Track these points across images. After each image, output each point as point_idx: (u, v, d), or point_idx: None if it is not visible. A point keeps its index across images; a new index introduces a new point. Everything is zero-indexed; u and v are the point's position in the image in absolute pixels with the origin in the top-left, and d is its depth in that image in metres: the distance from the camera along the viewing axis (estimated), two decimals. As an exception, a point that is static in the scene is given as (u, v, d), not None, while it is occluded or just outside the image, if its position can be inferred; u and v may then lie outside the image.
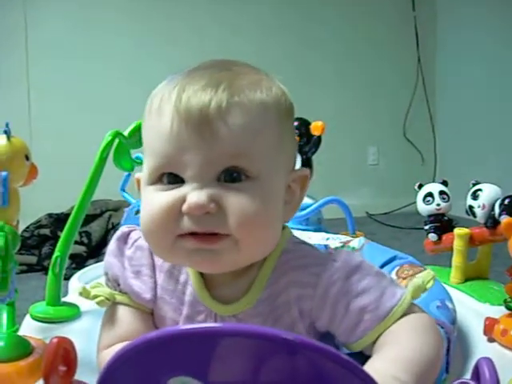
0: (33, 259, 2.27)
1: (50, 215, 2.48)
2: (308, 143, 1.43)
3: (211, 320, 0.62)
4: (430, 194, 1.15)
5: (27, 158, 0.80)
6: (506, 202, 0.95)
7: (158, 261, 0.65)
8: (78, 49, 3.10)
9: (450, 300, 0.82)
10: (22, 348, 0.70)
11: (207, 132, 0.53)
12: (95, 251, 2.30)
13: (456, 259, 1.06)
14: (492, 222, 0.99)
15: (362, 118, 3.71)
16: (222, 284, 0.62)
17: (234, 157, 0.54)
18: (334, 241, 1.10)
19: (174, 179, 0.56)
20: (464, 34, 3.55)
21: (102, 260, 1.73)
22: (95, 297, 0.64)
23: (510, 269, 0.81)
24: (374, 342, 0.58)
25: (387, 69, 3.74)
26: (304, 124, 1.43)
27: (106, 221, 2.42)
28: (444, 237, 1.14)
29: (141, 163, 1.05)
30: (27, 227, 2.40)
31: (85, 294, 0.64)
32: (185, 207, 0.54)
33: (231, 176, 0.55)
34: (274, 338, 0.33)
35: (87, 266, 1.68)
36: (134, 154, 0.97)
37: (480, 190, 1.02)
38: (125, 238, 0.67)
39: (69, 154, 2.95)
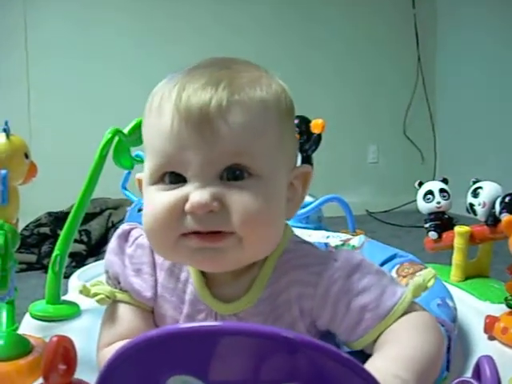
0: (32, 258, 2.27)
1: (49, 214, 2.48)
2: (308, 141, 1.43)
3: (211, 319, 0.62)
4: (430, 192, 1.15)
5: (26, 156, 0.80)
6: (507, 199, 0.95)
7: (159, 259, 0.65)
8: (78, 48, 3.10)
9: (451, 298, 0.82)
10: (22, 346, 0.70)
11: (208, 131, 0.53)
12: (95, 250, 2.30)
13: (456, 257, 1.06)
14: (492, 220, 0.99)
15: (362, 117, 3.71)
16: (223, 283, 0.62)
17: (236, 155, 0.54)
18: (334, 239, 1.10)
19: (175, 179, 0.56)
20: (464, 33, 3.55)
21: (101, 258, 1.73)
22: (95, 295, 0.64)
23: (511, 267, 0.81)
24: (375, 341, 0.58)
25: (387, 67, 3.74)
26: (304, 122, 1.42)
27: (106, 219, 2.42)
28: (444, 235, 1.14)
29: (141, 161, 1.05)
30: (27, 226, 2.40)
31: (85, 291, 0.64)
32: (188, 206, 0.54)
33: (233, 174, 0.55)
34: (275, 336, 0.33)
35: (87, 264, 1.67)
36: (134, 151, 0.97)
37: (480, 187, 1.02)
38: (125, 236, 0.67)
39: (68, 152, 2.95)
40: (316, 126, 1.41)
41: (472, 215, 1.04)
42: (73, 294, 1.00)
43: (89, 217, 2.36)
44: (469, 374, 0.46)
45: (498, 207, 0.97)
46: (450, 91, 3.72)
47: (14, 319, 0.77)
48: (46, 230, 2.38)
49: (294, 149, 0.64)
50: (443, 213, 1.15)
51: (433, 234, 1.15)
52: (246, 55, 0.64)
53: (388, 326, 0.58)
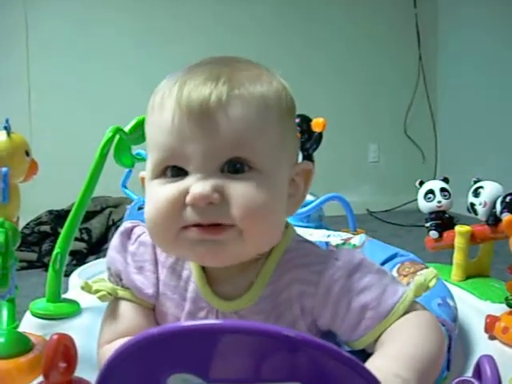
0: (33, 256, 2.27)
1: (50, 212, 2.48)
2: (309, 140, 1.43)
3: (213, 316, 0.62)
4: (431, 191, 1.15)
5: (27, 153, 0.79)
6: (508, 199, 0.95)
7: (161, 257, 0.65)
8: (79, 48, 3.10)
9: (451, 298, 0.82)
10: (22, 344, 0.70)
11: (208, 124, 0.54)
12: (95, 248, 2.30)
13: (457, 257, 1.06)
14: (493, 220, 0.99)
15: (363, 116, 3.71)
16: (225, 280, 0.62)
17: (237, 147, 0.55)
18: (335, 238, 1.10)
19: (177, 172, 0.56)
20: (465, 32, 3.54)
21: (102, 257, 1.74)
22: (97, 291, 0.64)
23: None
24: (376, 340, 0.58)
25: (388, 66, 3.74)
26: (305, 120, 1.42)
27: (107, 217, 2.42)
28: (445, 234, 1.14)
29: (141, 159, 1.05)
30: (27, 224, 2.40)
31: (87, 288, 0.65)
32: (189, 198, 0.54)
33: (234, 167, 0.55)
34: (276, 334, 0.33)
35: (87, 262, 1.68)
36: (135, 150, 0.97)
37: (481, 187, 1.02)
38: (128, 234, 0.67)
39: (69, 150, 2.95)
40: (317, 124, 1.40)
41: (473, 215, 1.04)
42: (73, 292, 1.00)
43: (89, 215, 2.36)
44: (469, 373, 0.46)
45: (498, 207, 0.97)
46: (451, 90, 3.72)
47: (15, 317, 0.77)
48: (46, 228, 2.38)
49: (295, 145, 0.64)
50: (444, 212, 1.15)
51: (433, 234, 1.15)
52: (246, 55, 0.64)
53: (389, 325, 0.58)
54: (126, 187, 1.59)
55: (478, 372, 0.45)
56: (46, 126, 3.01)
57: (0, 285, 0.70)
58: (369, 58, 3.69)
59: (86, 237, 2.30)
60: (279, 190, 0.58)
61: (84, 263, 1.67)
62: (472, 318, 0.87)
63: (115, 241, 0.67)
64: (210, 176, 0.54)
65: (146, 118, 0.61)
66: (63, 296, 0.93)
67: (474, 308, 0.92)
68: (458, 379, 0.48)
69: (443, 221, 1.14)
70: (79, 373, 0.48)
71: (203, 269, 0.63)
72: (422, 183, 1.18)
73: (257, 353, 0.34)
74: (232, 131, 0.54)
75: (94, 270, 1.22)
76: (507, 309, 0.82)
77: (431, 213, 1.15)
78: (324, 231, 1.16)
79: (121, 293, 0.65)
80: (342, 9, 3.62)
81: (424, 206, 1.16)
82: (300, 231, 0.68)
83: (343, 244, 1.07)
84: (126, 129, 0.91)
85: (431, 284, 0.61)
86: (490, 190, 1.01)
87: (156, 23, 3.22)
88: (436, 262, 1.14)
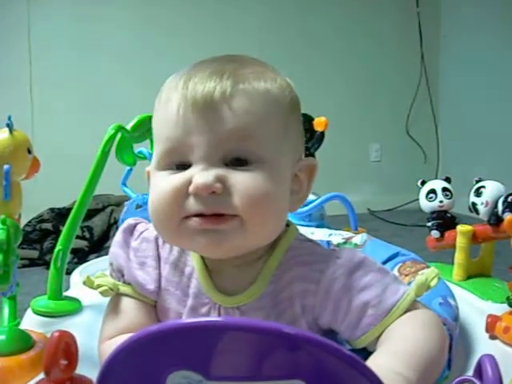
0: (34, 253, 2.27)
1: (51, 210, 2.48)
2: (311, 139, 1.43)
3: (215, 312, 0.62)
4: (432, 191, 1.15)
5: (29, 151, 0.80)
6: (510, 199, 0.95)
7: (164, 253, 0.66)
8: (81, 44, 3.10)
9: (453, 297, 0.82)
10: (24, 342, 0.70)
11: (212, 116, 0.55)
12: (97, 246, 2.30)
13: (458, 256, 1.06)
14: (495, 219, 0.99)
15: (365, 115, 3.70)
16: (227, 276, 0.62)
17: (240, 139, 0.55)
18: (336, 237, 1.10)
19: (182, 164, 0.57)
20: (468, 32, 3.54)
21: (103, 255, 1.74)
22: (99, 286, 0.64)
23: (513, 266, 0.81)
24: (377, 339, 0.58)
25: (390, 65, 3.73)
26: (307, 120, 1.42)
27: (108, 215, 2.42)
28: (447, 234, 1.13)
29: (143, 158, 1.05)
30: (29, 221, 2.40)
31: (88, 283, 0.65)
32: (191, 188, 0.55)
33: (237, 158, 0.56)
34: (277, 332, 0.33)
35: (89, 260, 1.68)
36: (137, 148, 0.97)
37: (483, 187, 1.02)
38: (131, 230, 0.68)
39: (71, 148, 2.95)
40: (319, 123, 1.40)
41: (474, 214, 1.04)
42: (75, 290, 1.00)
43: (91, 213, 2.36)
44: (470, 372, 0.46)
45: (500, 206, 0.97)
46: (454, 90, 3.71)
47: (16, 314, 0.77)
48: (48, 225, 2.38)
49: (299, 141, 0.64)
50: (446, 212, 1.15)
51: (435, 233, 1.15)
52: (246, 53, 0.65)
53: (390, 324, 0.58)
54: (125, 185, 1.59)
55: (479, 371, 0.45)
56: (48, 124, 3.01)
57: (1, 282, 0.70)
58: (371, 57, 3.69)
59: (87, 235, 2.30)
60: (282, 182, 0.59)
61: (85, 261, 1.68)
62: (473, 317, 0.87)
63: (118, 237, 0.68)
64: (213, 166, 0.55)
65: (153, 113, 0.62)
66: (64, 294, 0.93)
67: (475, 308, 0.92)
68: (458, 379, 0.48)
69: (445, 220, 1.14)
70: (80, 370, 0.48)
71: (205, 265, 0.63)
72: (423, 183, 1.18)
73: (257, 350, 0.34)
74: (235, 123, 0.55)
75: (96, 268, 1.22)
76: (508, 308, 0.82)
77: (433, 212, 1.15)
78: (325, 230, 1.16)
79: (122, 288, 0.65)
80: (343, 8, 3.62)
81: (426, 205, 1.16)
82: (301, 230, 0.68)
83: (344, 243, 1.07)
84: (128, 127, 0.91)
85: (432, 283, 0.61)
86: (492, 189, 1.00)
87: (159, 20, 3.22)
88: (437, 261, 1.14)
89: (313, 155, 1.46)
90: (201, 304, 0.63)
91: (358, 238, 1.07)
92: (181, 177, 0.56)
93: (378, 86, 3.73)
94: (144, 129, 0.92)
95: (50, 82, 3.05)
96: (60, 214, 2.42)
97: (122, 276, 0.66)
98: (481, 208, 1.01)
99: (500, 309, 0.86)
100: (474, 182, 1.05)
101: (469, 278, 1.05)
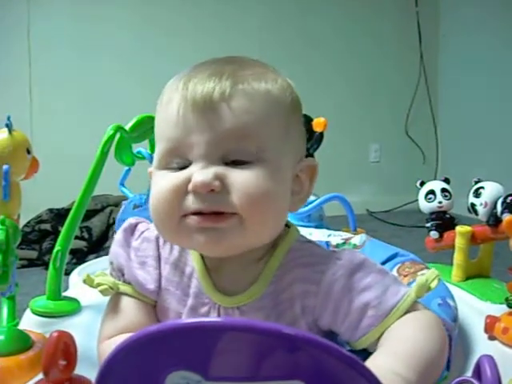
0: (33, 254, 2.27)
1: (50, 210, 2.47)
2: (310, 139, 1.43)
3: (215, 312, 0.62)
4: (431, 192, 1.15)
5: (28, 151, 0.79)
6: (509, 200, 0.95)
7: (164, 253, 0.66)
8: (81, 44, 3.10)
9: (452, 298, 0.82)
10: (22, 342, 0.70)
11: (212, 116, 0.56)
12: (96, 246, 2.29)
13: (457, 257, 1.06)
14: (494, 220, 0.99)
15: (364, 116, 3.70)
16: (227, 276, 0.62)
17: (239, 138, 0.56)
18: (335, 237, 1.10)
19: (182, 164, 0.58)
20: (467, 31, 3.54)
21: (102, 255, 1.73)
22: (98, 285, 0.64)
23: (512, 267, 0.81)
24: (377, 340, 0.58)
25: (389, 65, 3.73)
26: (306, 120, 1.42)
27: (107, 216, 2.42)
28: (445, 235, 1.13)
29: (142, 158, 1.05)
30: (28, 222, 2.40)
31: (88, 281, 0.65)
32: (190, 185, 0.55)
33: (236, 157, 0.56)
34: (276, 333, 0.33)
35: (88, 261, 1.68)
36: (136, 148, 0.97)
37: (482, 187, 1.02)
38: (132, 230, 0.68)
39: (70, 149, 2.95)
40: (318, 124, 1.40)
41: (473, 215, 1.04)
42: (73, 291, 1.00)
43: (90, 214, 2.35)
44: (469, 373, 0.46)
45: (499, 207, 0.97)
46: (453, 90, 3.71)
47: (15, 315, 0.77)
48: (47, 226, 2.38)
49: (300, 142, 0.65)
50: (445, 212, 1.15)
51: (434, 234, 1.15)
52: (246, 53, 0.65)
53: (390, 325, 0.58)
54: (123, 185, 1.59)
55: (477, 372, 0.45)
56: (47, 124, 3.00)
57: (0, 282, 0.70)
58: (370, 57, 3.69)
59: (86, 235, 2.30)
60: (282, 182, 0.59)
61: (84, 262, 1.68)
62: (472, 318, 0.87)
63: (119, 236, 0.68)
64: (212, 165, 0.56)
65: (156, 115, 0.63)
66: (63, 294, 0.93)
67: (474, 308, 0.92)
68: (457, 379, 0.48)
69: (444, 221, 1.14)
70: (79, 370, 0.48)
71: (206, 265, 0.63)
72: (422, 183, 1.18)
73: (257, 351, 0.34)
74: (235, 123, 0.56)
75: (95, 269, 1.21)
76: (507, 309, 0.82)
77: (432, 213, 1.15)
78: (324, 231, 1.16)
79: (122, 287, 0.65)
80: (343, 7, 3.62)
81: (425, 206, 1.16)
82: (300, 231, 0.68)
83: (344, 243, 1.07)
84: (127, 127, 0.91)
85: (433, 285, 0.61)
86: (491, 190, 1.00)
87: (158, 20, 3.22)
88: (436, 262, 1.14)
89: (312, 156, 1.46)
90: (201, 304, 0.63)
91: (357, 239, 1.07)
92: (180, 175, 0.57)
93: (378, 86, 3.73)
94: (143, 129, 0.93)
95: (49, 82, 3.05)
96: (59, 215, 2.41)
97: (122, 275, 0.66)
98: (480, 209, 1.01)
99: (499, 309, 0.86)
100: (473, 183, 1.05)
101: (468, 278, 1.05)
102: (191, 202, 0.56)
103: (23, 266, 2.16)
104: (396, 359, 0.52)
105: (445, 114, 3.81)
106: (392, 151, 3.82)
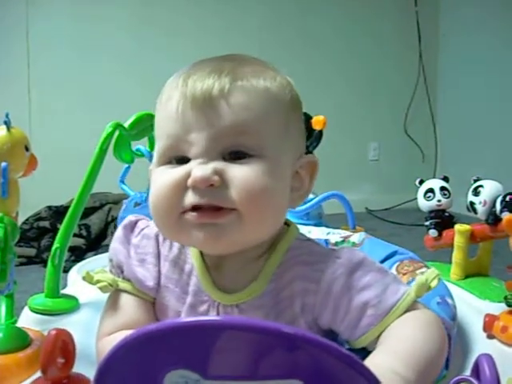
0: (32, 251, 2.27)
1: (49, 208, 2.47)
2: (309, 137, 1.43)
3: (214, 310, 0.62)
4: (430, 190, 1.15)
5: (27, 148, 0.79)
6: (508, 198, 0.95)
7: (164, 250, 0.66)
8: (80, 43, 3.09)
9: (450, 296, 0.82)
10: (21, 340, 0.70)
11: (211, 112, 0.56)
12: (94, 244, 2.29)
13: (456, 256, 1.06)
14: (493, 219, 0.99)
15: (363, 114, 3.70)
16: (227, 274, 0.62)
17: (238, 134, 0.56)
18: (334, 235, 1.10)
19: (181, 160, 0.58)
20: (466, 31, 3.54)
21: (101, 253, 1.73)
22: (98, 282, 0.64)
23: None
24: (377, 339, 0.58)
25: (389, 64, 3.73)
26: (305, 118, 1.42)
27: (106, 214, 2.42)
28: (444, 233, 1.14)
29: (141, 155, 1.05)
30: (26, 219, 2.39)
31: (88, 278, 0.65)
32: (190, 181, 0.55)
33: (236, 153, 0.56)
34: (275, 331, 0.33)
35: (86, 258, 1.68)
36: (135, 146, 0.96)
37: (481, 186, 1.02)
38: (132, 227, 0.68)
39: (68, 146, 2.95)
40: (317, 122, 1.40)
41: (472, 214, 1.04)
42: (72, 288, 1.00)
43: (89, 211, 2.35)
44: (467, 372, 0.46)
45: (498, 206, 0.97)
46: (452, 89, 3.71)
47: (13, 312, 0.77)
48: (45, 223, 2.38)
49: (300, 139, 0.65)
50: (444, 211, 1.15)
51: (433, 232, 1.15)
52: (246, 53, 0.65)
53: (390, 324, 0.58)
54: (123, 183, 1.59)
55: (476, 371, 0.45)
56: (46, 121, 3.00)
57: (-1, 279, 0.70)
58: (369, 56, 3.69)
59: (84, 233, 2.30)
60: (281, 179, 0.59)
61: (83, 259, 1.67)
62: (471, 316, 0.87)
63: (119, 233, 0.68)
64: (212, 160, 0.56)
65: (155, 113, 0.63)
66: (62, 292, 0.93)
67: (472, 307, 0.92)
68: (456, 378, 0.48)
69: (443, 220, 1.14)
70: (77, 368, 0.48)
71: (205, 263, 0.63)
72: (421, 182, 1.18)
73: (256, 350, 0.34)
74: (234, 119, 0.56)
75: (93, 266, 1.21)
76: (506, 308, 0.82)
77: (431, 211, 1.15)
78: (323, 229, 1.16)
79: (121, 284, 0.66)
80: (343, 7, 3.62)
81: (424, 204, 1.16)
82: (299, 229, 0.68)
83: (342, 242, 1.07)
84: (126, 124, 0.91)
85: (433, 284, 0.61)
86: (490, 188, 1.00)
87: (158, 20, 3.22)
88: (435, 260, 1.14)
89: (311, 154, 1.46)
90: (200, 302, 0.63)
91: (355, 237, 1.07)
92: (180, 171, 0.57)
93: (377, 85, 3.73)
94: (142, 127, 0.92)
95: (48, 82, 3.04)
96: (57, 212, 2.41)
97: (122, 272, 0.66)
98: (479, 207, 1.01)
99: (498, 308, 0.86)
100: (472, 182, 1.05)
101: (467, 277, 1.05)
102: (190, 197, 0.56)
103: (21, 264, 2.16)
104: (395, 358, 0.52)
105: (444, 113, 3.81)
106: (391, 150, 3.82)
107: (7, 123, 0.77)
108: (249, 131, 0.56)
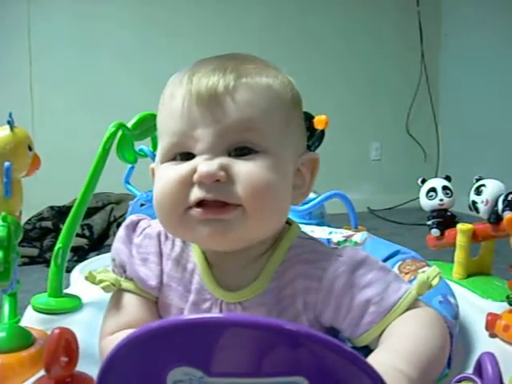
0: (34, 251, 2.27)
1: (51, 208, 2.48)
2: (311, 137, 1.43)
3: (217, 307, 0.62)
4: (433, 189, 1.15)
5: (30, 148, 0.79)
6: (510, 197, 0.95)
7: (166, 249, 0.66)
8: (81, 42, 3.09)
9: (453, 295, 0.82)
10: (24, 339, 0.70)
11: (216, 108, 0.56)
12: (97, 244, 2.29)
13: (459, 255, 1.06)
14: (495, 218, 0.99)
15: (365, 114, 3.70)
16: (229, 272, 0.63)
17: (243, 130, 0.56)
18: (336, 235, 1.10)
19: (186, 157, 0.58)
20: (468, 31, 3.53)
21: (103, 253, 1.73)
22: (101, 281, 0.65)
23: (514, 264, 0.81)
24: (379, 337, 0.58)
25: (390, 64, 3.73)
26: (307, 118, 1.42)
27: (108, 214, 2.42)
28: (447, 232, 1.14)
29: (144, 155, 1.05)
30: (29, 219, 2.40)
31: (90, 278, 0.65)
32: (195, 176, 0.56)
33: (241, 150, 0.57)
34: (278, 328, 0.33)
35: (89, 258, 1.68)
36: (138, 146, 0.97)
37: (483, 185, 1.02)
38: (134, 227, 0.68)
39: (71, 146, 2.95)
40: (319, 122, 1.40)
41: (475, 213, 1.04)
42: (75, 288, 1.00)
43: (91, 211, 2.36)
44: (470, 370, 0.46)
45: (500, 205, 0.97)
46: (454, 89, 3.71)
47: (16, 312, 0.77)
48: (48, 224, 2.38)
49: (301, 137, 0.65)
50: (446, 210, 1.15)
51: (435, 232, 1.15)
52: (246, 52, 0.65)
53: (391, 322, 0.58)
54: (128, 183, 1.59)
55: (478, 369, 0.45)
56: (49, 121, 3.00)
57: (2, 279, 0.70)
58: (371, 57, 3.69)
59: (87, 233, 2.30)
60: (284, 175, 0.59)
61: (85, 259, 1.67)
62: (473, 315, 0.87)
63: (121, 233, 0.68)
64: (217, 156, 0.56)
65: (158, 111, 0.63)
66: (65, 291, 0.93)
67: (475, 306, 0.92)
68: (458, 376, 0.48)
69: (445, 219, 1.14)
70: (80, 367, 0.48)
71: (207, 261, 0.63)
72: (424, 181, 1.18)
73: (259, 346, 0.34)
74: (239, 115, 0.56)
75: (96, 266, 1.21)
76: (508, 307, 0.82)
77: (433, 211, 1.15)
78: (326, 228, 1.16)
79: (124, 284, 0.66)
80: (343, 7, 3.61)
81: (426, 204, 1.16)
82: (302, 228, 0.68)
83: (345, 241, 1.07)
84: (129, 124, 0.91)
85: (434, 282, 0.61)
86: (492, 188, 1.00)
87: (159, 19, 3.22)
88: (437, 260, 1.14)
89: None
90: (203, 300, 0.63)
91: (358, 236, 1.07)
92: (186, 166, 0.57)
93: (379, 85, 3.72)
94: (145, 127, 0.93)
95: (50, 81, 3.05)
96: (60, 212, 2.41)
97: (124, 272, 0.66)
98: (481, 206, 1.01)
99: (500, 307, 0.86)
100: (474, 181, 1.05)
101: (469, 276, 1.05)
102: (196, 192, 0.56)
103: (24, 264, 2.16)
104: (397, 356, 0.52)
105: (446, 113, 3.80)
106: (393, 149, 3.82)
107: (10, 123, 0.77)
108: (254, 127, 0.57)
